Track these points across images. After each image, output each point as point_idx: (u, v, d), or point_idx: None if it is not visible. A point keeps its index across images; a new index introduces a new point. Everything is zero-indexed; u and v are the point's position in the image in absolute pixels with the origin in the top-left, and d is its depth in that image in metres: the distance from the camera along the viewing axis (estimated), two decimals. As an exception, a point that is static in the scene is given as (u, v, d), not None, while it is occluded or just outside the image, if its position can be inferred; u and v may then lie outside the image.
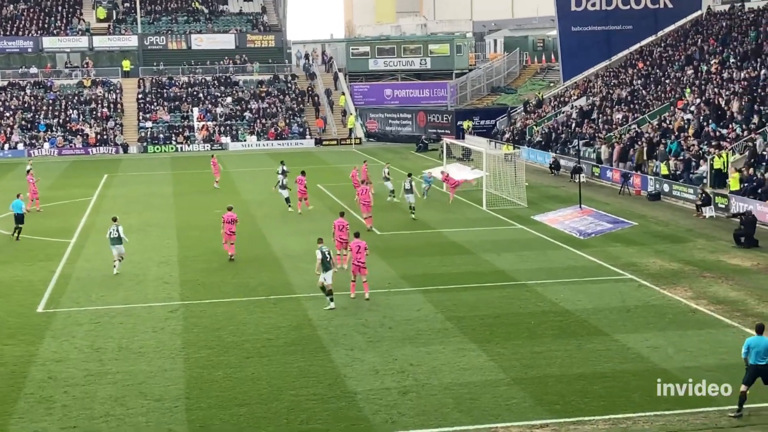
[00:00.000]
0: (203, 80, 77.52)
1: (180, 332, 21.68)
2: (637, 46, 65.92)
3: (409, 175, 38.46)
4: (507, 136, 61.83)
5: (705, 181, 39.56)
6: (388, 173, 41.48)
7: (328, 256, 23.14)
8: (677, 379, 17.06)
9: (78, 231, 35.36)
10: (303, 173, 38.62)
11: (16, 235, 33.45)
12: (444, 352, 19.44)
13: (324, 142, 70.86)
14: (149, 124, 71.73)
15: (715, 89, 48.72)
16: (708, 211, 35.78)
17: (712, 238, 31.53)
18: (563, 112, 60.10)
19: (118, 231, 27.48)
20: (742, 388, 15.75)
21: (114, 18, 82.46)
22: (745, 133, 41.53)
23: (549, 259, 28.83)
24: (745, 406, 15.70)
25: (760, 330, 15.93)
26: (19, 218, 33.61)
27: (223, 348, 20.36)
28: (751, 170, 36.76)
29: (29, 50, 78.49)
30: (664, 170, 41.47)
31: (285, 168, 41.61)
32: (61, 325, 22.50)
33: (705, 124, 44.96)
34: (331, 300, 23.28)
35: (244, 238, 32.14)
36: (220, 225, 29.76)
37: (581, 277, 26.32)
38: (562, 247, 30.55)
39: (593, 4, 68.13)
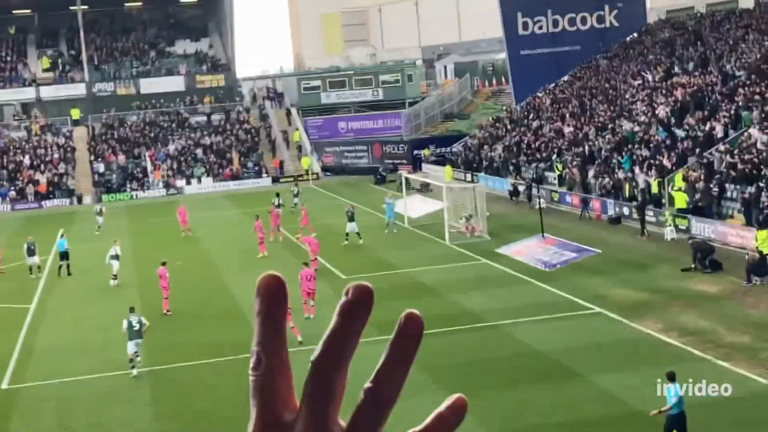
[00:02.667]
0: (153, 120, 77.13)
1: (149, 402, 21.27)
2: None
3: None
4: (460, 161, 62.04)
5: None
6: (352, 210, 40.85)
7: (136, 325, 22.91)
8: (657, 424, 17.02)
9: (37, 295, 34.67)
10: (257, 217, 39.11)
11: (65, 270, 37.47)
12: (421, 408, 19.19)
13: (281, 180, 70.56)
14: (101, 167, 71.06)
15: (662, 98, 49.48)
16: (669, 233, 36.00)
17: (675, 262, 31.71)
18: (516, 135, 60.42)
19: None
20: None
21: (59, 67, 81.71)
22: (697, 147, 41.98)
23: (517, 295, 28.85)
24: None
25: (673, 377, 16.01)
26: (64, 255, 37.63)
27: (196, 416, 20.00)
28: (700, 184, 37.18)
29: (-26, 104, 77.55)
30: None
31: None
32: (28, 403, 21.99)
33: (652, 134, 45.70)
34: (132, 367, 23.02)
35: (207, 292, 31.80)
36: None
37: (551, 313, 26.31)
38: (529, 282, 30.57)
39: (540, 27, 68.88)
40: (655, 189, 40.35)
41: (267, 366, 0.95)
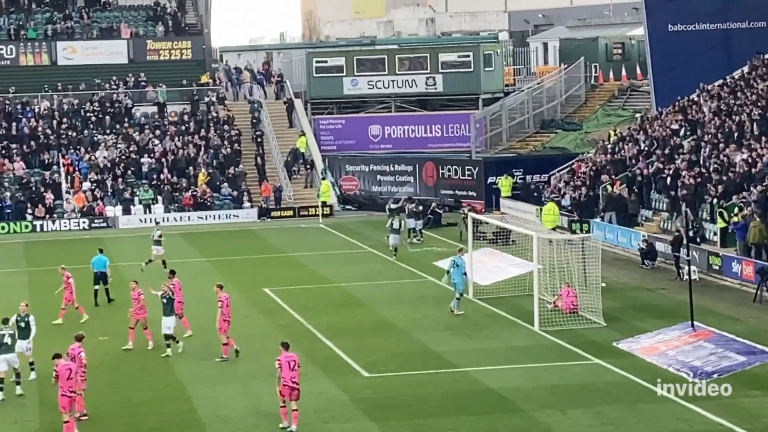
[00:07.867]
0: (75, 109, 77.66)
1: None
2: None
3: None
4: (566, 198, 61.72)
5: None
6: None
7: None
8: None
9: None
10: (172, 273, 39.61)
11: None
12: None
13: (273, 214, 70.63)
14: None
15: None
16: None
17: None
18: (654, 160, 60.12)
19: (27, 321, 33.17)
20: None
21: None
22: None
23: (646, 420, 28.58)
24: None
25: None
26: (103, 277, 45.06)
27: None
28: None
29: None
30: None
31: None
32: None
33: None
34: None
35: (149, 387, 31.86)
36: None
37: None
38: (668, 399, 30.20)
39: (702, -11, 69.00)
40: None
41: None
